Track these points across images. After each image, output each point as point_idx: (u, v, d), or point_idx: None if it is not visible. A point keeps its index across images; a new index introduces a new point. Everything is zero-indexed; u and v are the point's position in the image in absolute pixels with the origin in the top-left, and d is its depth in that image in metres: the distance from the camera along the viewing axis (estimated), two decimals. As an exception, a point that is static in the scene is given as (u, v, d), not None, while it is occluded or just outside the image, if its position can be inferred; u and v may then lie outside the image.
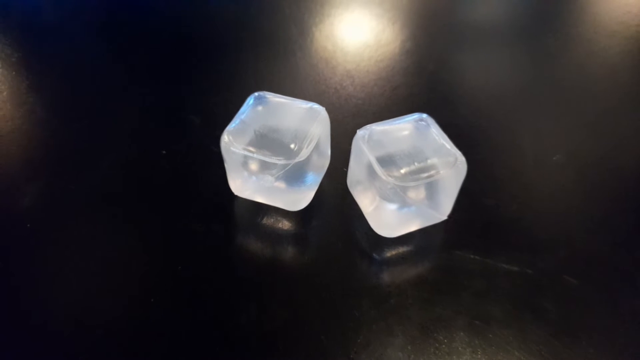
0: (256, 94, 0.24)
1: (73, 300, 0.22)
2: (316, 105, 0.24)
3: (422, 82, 0.31)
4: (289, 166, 0.22)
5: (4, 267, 0.22)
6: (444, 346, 0.20)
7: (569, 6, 0.40)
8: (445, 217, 0.23)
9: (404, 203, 0.22)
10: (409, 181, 0.21)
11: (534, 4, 0.40)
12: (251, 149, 0.22)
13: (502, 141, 0.28)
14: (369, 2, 0.37)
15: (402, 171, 0.22)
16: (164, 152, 0.27)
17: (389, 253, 0.23)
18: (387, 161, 0.22)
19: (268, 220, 0.24)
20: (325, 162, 0.25)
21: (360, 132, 0.23)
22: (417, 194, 0.22)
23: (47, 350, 0.20)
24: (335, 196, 0.25)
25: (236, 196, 0.24)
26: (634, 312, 0.21)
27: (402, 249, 0.23)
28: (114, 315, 0.21)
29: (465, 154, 0.22)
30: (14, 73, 0.31)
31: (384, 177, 0.21)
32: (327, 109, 0.23)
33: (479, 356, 0.20)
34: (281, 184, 0.23)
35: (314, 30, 0.34)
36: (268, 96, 0.24)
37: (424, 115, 0.24)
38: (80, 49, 0.34)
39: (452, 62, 0.33)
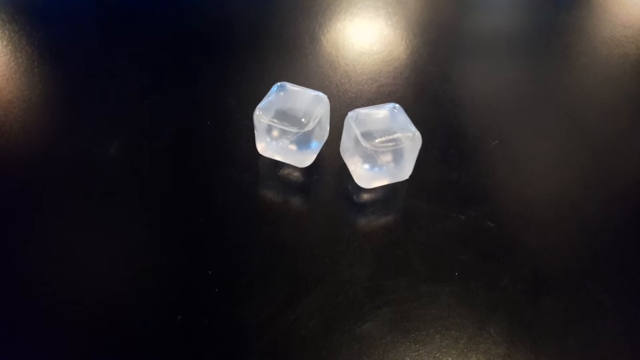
0: (279, 83, 0.33)
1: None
2: (321, 94, 0.32)
3: (400, 82, 0.40)
4: (300, 134, 0.31)
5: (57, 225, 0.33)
6: (399, 252, 0.30)
7: (566, 20, 0.49)
8: (407, 177, 0.32)
9: (376, 164, 0.31)
10: (380, 148, 0.31)
11: (524, 17, 0.49)
12: (275, 120, 0.32)
13: (457, 129, 0.37)
14: (366, 21, 0.47)
15: (377, 141, 0.30)
16: (208, 122, 0.37)
17: (365, 198, 0.32)
18: (367, 134, 0.30)
19: (283, 172, 0.34)
20: (325, 134, 0.34)
21: (350, 113, 0.32)
22: (386, 157, 0.31)
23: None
24: (331, 158, 0.34)
25: (261, 155, 0.34)
26: (524, 243, 0.31)
27: (375, 196, 0.33)
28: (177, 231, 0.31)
29: (425, 135, 0.31)
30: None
31: (364, 145, 0.31)
32: (329, 98, 0.33)
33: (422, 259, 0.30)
34: (293, 146, 0.32)
35: (322, 40, 0.44)
36: (287, 85, 0.33)
37: (396, 105, 0.32)
38: (144, 41, 0.44)
39: (427, 70, 0.43)
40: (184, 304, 0.28)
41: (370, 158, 0.31)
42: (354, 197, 0.33)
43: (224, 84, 0.40)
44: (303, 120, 0.31)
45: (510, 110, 0.39)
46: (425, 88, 0.41)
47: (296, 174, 0.34)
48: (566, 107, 0.40)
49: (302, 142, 0.32)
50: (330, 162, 0.34)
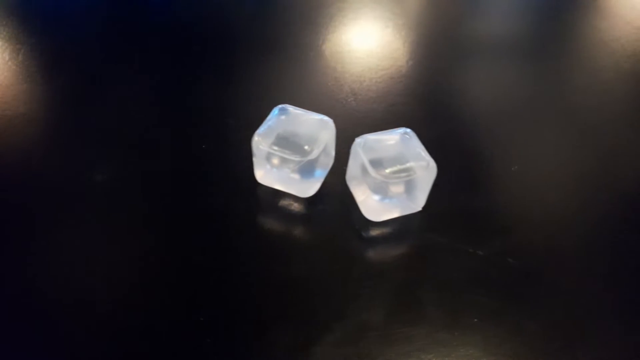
0: (280, 106, 0.30)
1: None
2: (326, 117, 0.30)
3: (411, 101, 0.38)
4: (303, 162, 0.28)
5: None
6: (414, 293, 0.27)
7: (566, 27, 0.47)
8: (420, 208, 0.30)
9: (386, 195, 0.29)
10: (391, 178, 0.28)
11: (526, 25, 0.47)
12: (275, 147, 0.29)
13: (473, 153, 0.34)
14: (371, 35, 0.44)
15: (387, 171, 0.27)
16: (204, 146, 0.34)
17: (374, 233, 0.30)
18: (376, 163, 0.28)
19: (283, 203, 0.31)
20: (330, 161, 0.31)
21: (357, 140, 0.29)
22: (397, 188, 0.28)
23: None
24: (336, 187, 0.31)
25: (259, 183, 0.31)
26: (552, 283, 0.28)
27: (385, 230, 0.30)
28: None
29: (439, 160, 0.28)
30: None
31: (373, 175, 0.27)
32: (333, 120, 0.30)
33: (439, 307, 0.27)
34: (296, 175, 0.29)
35: (326, 55, 0.41)
36: (289, 108, 0.30)
37: (408, 130, 0.29)
38: (138, 58, 0.41)
39: (439, 86, 0.40)
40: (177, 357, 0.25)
41: (380, 189, 0.28)
42: (362, 231, 0.30)
43: (221, 103, 0.37)
44: (306, 147, 0.28)
45: (531, 131, 0.36)
46: (438, 107, 0.38)
47: (298, 204, 0.31)
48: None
49: (306, 170, 0.29)
50: (335, 191, 0.31)
